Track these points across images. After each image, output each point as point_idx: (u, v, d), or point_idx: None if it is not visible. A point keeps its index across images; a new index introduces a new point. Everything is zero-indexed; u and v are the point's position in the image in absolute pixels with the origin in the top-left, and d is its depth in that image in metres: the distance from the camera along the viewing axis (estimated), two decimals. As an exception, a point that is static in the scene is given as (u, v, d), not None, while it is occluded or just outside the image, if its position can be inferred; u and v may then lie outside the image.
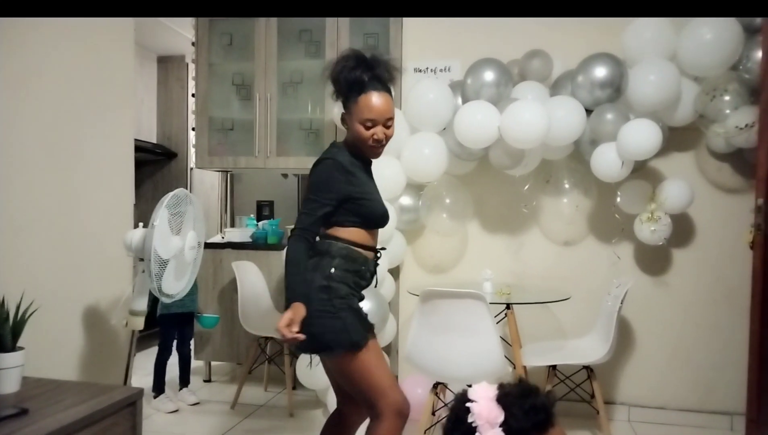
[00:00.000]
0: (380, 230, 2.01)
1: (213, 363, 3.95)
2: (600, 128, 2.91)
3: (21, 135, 2.19)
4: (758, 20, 2.79)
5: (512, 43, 3.29)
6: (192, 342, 3.65)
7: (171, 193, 2.20)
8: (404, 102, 3.30)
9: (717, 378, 3.18)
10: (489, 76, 3.06)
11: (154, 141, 5.34)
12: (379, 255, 1.98)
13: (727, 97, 2.79)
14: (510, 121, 2.84)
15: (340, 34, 3.55)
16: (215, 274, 3.77)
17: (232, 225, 4.52)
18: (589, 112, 2.97)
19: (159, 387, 3.38)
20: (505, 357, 2.52)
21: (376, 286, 2.05)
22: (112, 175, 2.70)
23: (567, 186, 3.24)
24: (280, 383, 3.64)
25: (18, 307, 1.93)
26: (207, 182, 5.64)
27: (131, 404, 1.94)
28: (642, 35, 2.93)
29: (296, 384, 3.34)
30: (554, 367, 2.88)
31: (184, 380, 3.52)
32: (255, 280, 3.55)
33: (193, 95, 3.92)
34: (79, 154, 2.48)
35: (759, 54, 2.71)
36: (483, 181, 3.41)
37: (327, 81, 1.90)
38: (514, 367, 2.85)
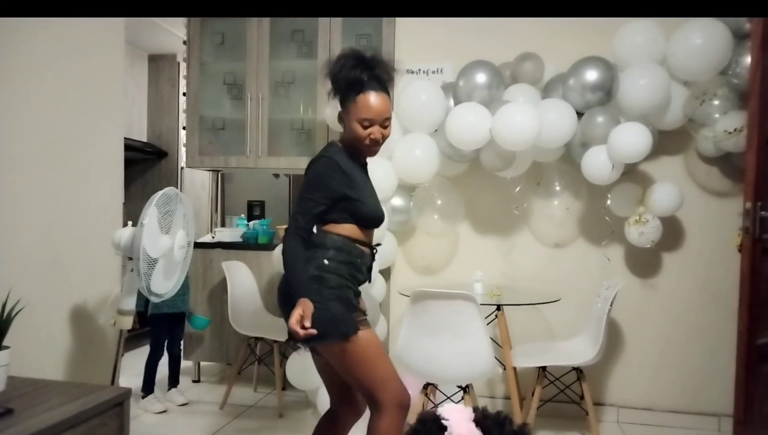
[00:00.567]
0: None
1: (202, 363, 3.92)
2: (590, 131, 2.93)
3: (9, 133, 2.17)
4: (747, 25, 2.82)
5: (504, 46, 3.30)
6: (181, 342, 3.63)
7: (161, 192, 2.18)
8: (396, 103, 3.30)
9: (705, 380, 3.20)
10: (481, 78, 3.07)
11: (145, 140, 5.31)
12: (375, 251, 1.98)
13: (716, 102, 2.81)
14: (501, 123, 2.85)
15: (333, 35, 3.54)
16: (205, 273, 3.75)
17: (223, 225, 4.50)
18: (580, 115, 2.98)
19: (148, 387, 3.36)
20: (495, 358, 2.53)
21: (370, 282, 2.04)
22: (101, 174, 2.67)
23: (558, 188, 3.26)
24: (270, 384, 3.62)
25: (4, 306, 1.91)
26: (198, 182, 5.61)
27: (119, 404, 1.93)
28: (633, 40, 2.95)
29: (286, 385, 3.33)
30: (544, 368, 2.89)
31: (174, 380, 3.50)
32: (245, 281, 3.54)
33: (184, 94, 3.90)
34: (68, 153, 2.46)
35: (748, 59, 2.73)
36: (474, 182, 3.42)
37: (325, 79, 1.91)
38: (504, 368, 2.86)
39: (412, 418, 1.23)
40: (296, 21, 3.62)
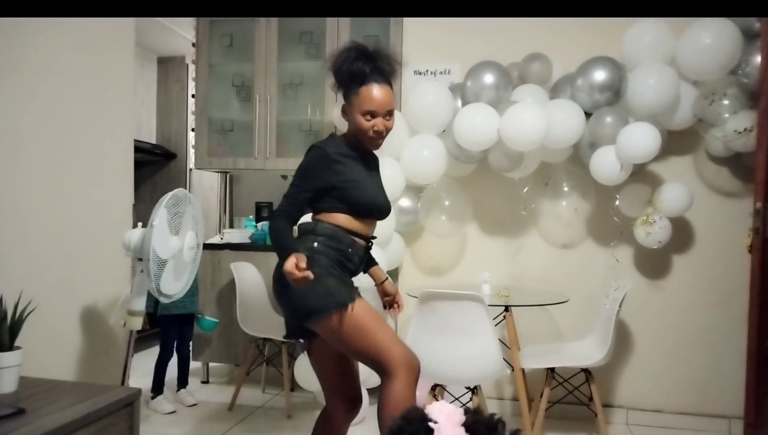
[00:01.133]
0: (379, 231, 2.00)
1: (211, 364, 3.94)
2: (599, 131, 2.92)
3: (21, 134, 2.19)
4: (757, 25, 2.80)
5: (512, 46, 3.29)
6: (190, 343, 3.64)
7: (170, 193, 2.20)
8: (404, 104, 3.31)
9: (715, 381, 3.18)
10: (489, 78, 3.06)
11: (154, 142, 5.34)
12: (370, 243, 1.99)
13: (726, 101, 2.79)
14: (509, 124, 2.84)
15: (341, 36, 3.55)
16: (213, 274, 3.77)
17: (231, 226, 4.51)
18: (588, 115, 2.97)
19: (158, 387, 3.37)
20: (504, 359, 2.52)
21: (364, 273, 2.08)
22: (111, 175, 2.69)
23: (566, 189, 3.25)
24: (278, 385, 3.63)
25: (16, 307, 1.93)
26: (206, 183, 5.64)
27: (129, 404, 1.94)
28: (641, 39, 2.94)
29: (294, 386, 3.33)
30: (552, 369, 2.87)
31: (183, 381, 3.52)
32: (253, 282, 3.55)
33: (192, 96, 3.92)
34: (78, 154, 2.48)
35: (758, 58, 2.72)
36: (482, 183, 3.41)
37: (328, 72, 1.93)
38: (513, 370, 2.85)
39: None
40: (304, 23, 3.63)
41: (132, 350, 2.32)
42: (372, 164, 2.02)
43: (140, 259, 2.17)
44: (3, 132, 2.12)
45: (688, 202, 2.96)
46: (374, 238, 2.03)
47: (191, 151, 4.83)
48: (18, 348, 1.90)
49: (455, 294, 2.45)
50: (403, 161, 3.14)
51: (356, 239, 1.92)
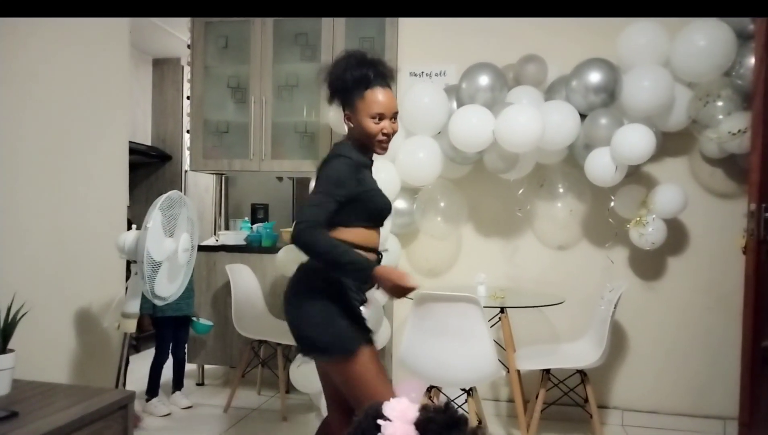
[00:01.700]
0: None
1: (206, 366, 3.93)
2: (594, 133, 2.93)
3: (15, 136, 2.18)
4: (751, 27, 2.81)
5: (507, 48, 3.30)
6: (186, 345, 3.63)
7: (164, 195, 2.19)
8: (399, 106, 3.26)
9: (710, 382, 3.19)
10: (484, 80, 3.07)
11: (149, 143, 5.33)
12: (380, 256, 1.98)
13: (720, 103, 2.81)
14: (505, 125, 2.85)
15: (336, 38, 3.55)
16: (209, 276, 3.76)
17: (227, 228, 4.50)
18: (583, 116, 2.98)
19: (153, 390, 3.36)
20: (499, 361, 2.52)
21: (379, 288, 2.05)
22: (106, 177, 2.68)
23: (561, 190, 3.25)
24: (274, 387, 3.62)
25: (9, 309, 1.92)
26: (201, 185, 5.63)
27: (123, 407, 1.93)
28: (636, 41, 2.95)
29: (290, 388, 3.33)
30: (548, 370, 2.88)
31: (178, 383, 3.50)
32: (249, 284, 3.54)
33: (188, 98, 3.91)
34: (73, 156, 2.47)
35: (752, 60, 2.72)
36: (477, 184, 3.42)
37: (324, 83, 1.91)
38: (508, 371, 2.86)
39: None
40: (300, 24, 3.63)
41: (126, 353, 2.30)
42: (371, 171, 2.03)
43: (134, 262, 2.16)
44: (-4, 134, 2.11)
45: (681, 204, 2.97)
46: (385, 250, 2.04)
47: (186, 153, 4.81)
48: (11, 351, 1.89)
49: (451, 296, 2.45)
50: (399, 163, 3.14)
51: (369, 255, 1.89)
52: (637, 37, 2.95)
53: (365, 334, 1.88)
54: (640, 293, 3.27)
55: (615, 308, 2.79)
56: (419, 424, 0.92)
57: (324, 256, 1.73)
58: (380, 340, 3.22)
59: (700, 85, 2.90)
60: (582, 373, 2.88)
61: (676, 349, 3.24)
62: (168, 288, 2.26)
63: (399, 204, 3.29)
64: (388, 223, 2.45)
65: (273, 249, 3.68)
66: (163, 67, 5.38)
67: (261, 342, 3.41)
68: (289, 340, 3.13)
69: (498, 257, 3.45)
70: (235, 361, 3.71)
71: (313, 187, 1.86)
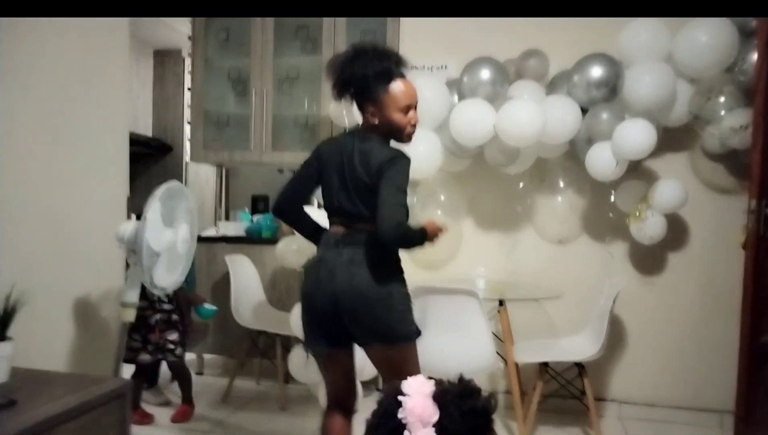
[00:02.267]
0: None
1: (205, 356, 3.95)
2: (595, 127, 2.92)
3: (14, 127, 2.18)
4: (754, 23, 2.79)
5: (509, 42, 3.28)
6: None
7: (164, 186, 2.19)
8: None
9: (707, 376, 3.20)
10: (485, 74, 3.06)
11: (150, 134, 5.32)
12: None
13: (722, 99, 2.80)
14: (505, 119, 2.84)
15: (337, 31, 3.54)
16: (209, 267, 3.77)
17: (227, 219, 4.51)
18: (584, 111, 2.97)
19: (151, 379, 3.37)
20: (497, 353, 2.53)
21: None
22: (106, 167, 2.69)
23: (562, 185, 3.25)
24: (272, 377, 3.64)
25: (8, 298, 1.93)
26: (202, 176, 5.62)
27: (120, 396, 1.94)
28: (638, 36, 2.93)
29: (288, 378, 3.34)
30: (546, 363, 2.88)
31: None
32: (248, 274, 3.55)
33: (189, 89, 3.91)
34: (73, 146, 2.47)
35: (754, 56, 2.71)
36: (478, 178, 3.41)
37: (337, 79, 1.89)
38: (506, 363, 2.86)
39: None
40: (301, 18, 3.61)
41: (124, 342, 2.31)
42: None
43: (134, 252, 2.17)
44: (-4, 122, 2.11)
45: (681, 199, 2.96)
46: None
47: (187, 144, 4.82)
48: (9, 339, 1.90)
49: (449, 288, 2.46)
50: (399, 156, 3.13)
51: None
52: (639, 32, 2.94)
53: None
54: (640, 288, 3.28)
55: (614, 302, 2.80)
56: (436, 397, 0.97)
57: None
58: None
59: (703, 81, 2.89)
60: (580, 365, 2.89)
61: (674, 342, 3.25)
62: (167, 278, 2.27)
63: (399, 197, 3.29)
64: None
65: (273, 240, 3.68)
66: (165, 59, 5.36)
67: (260, 332, 3.42)
68: (287, 330, 3.16)
69: (498, 251, 3.45)
70: (234, 351, 3.72)
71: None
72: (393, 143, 1.96)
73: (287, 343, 3.38)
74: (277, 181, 4.99)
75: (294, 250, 3.21)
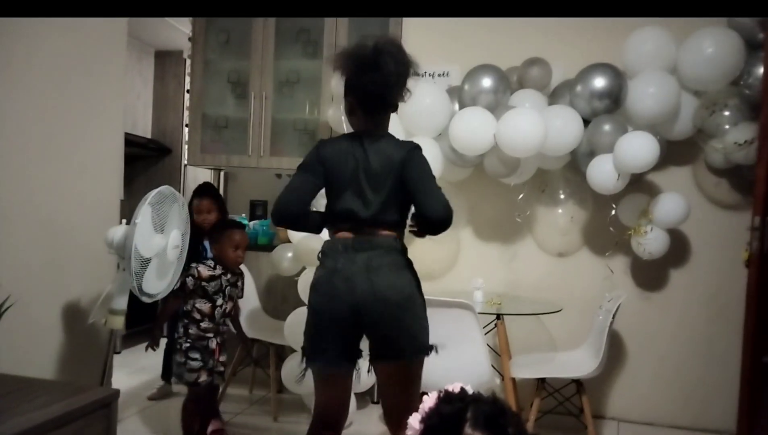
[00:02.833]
0: None
1: (199, 363, 3.89)
2: (597, 139, 2.88)
3: (5, 126, 2.14)
4: (761, 36, 2.76)
5: (512, 50, 3.25)
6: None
7: (155, 190, 2.15)
8: (400, 106, 3.25)
9: (708, 396, 3.14)
10: (487, 82, 3.02)
11: (149, 136, 5.29)
12: None
13: (726, 113, 2.76)
14: (506, 129, 2.80)
15: (339, 35, 3.50)
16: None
17: (224, 224, 4.45)
18: (587, 122, 2.93)
19: (166, 374, 3.47)
20: (494, 368, 2.48)
21: None
22: (99, 170, 2.65)
23: (562, 196, 3.21)
24: (266, 386, 3.58)
25: (-7, 302, 1.88)
26: (201, 180, 5.56)
27: (106, 405, 1.89)
28: (643, 47, 2.90)
29: (281, 387, 3.29)
30: (543, 379, 2.83)
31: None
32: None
33: (188, 91, 3.87)
34: (65, 147, 2.43)
35: (760, 70, 2.68)
36: (477, 188, 3.37)
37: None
38: (503, 379, 2.81)
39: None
40: (302, 20, 3.58)
41: (112, 349, 2.27)
42: None
43: (123, 257, 2.13)
44: (-14, 123, 2.07)
45: (683, 214, 2.92)
46: None
47: (186, 147, 4.78)
48: (-6, 345, 1.86)
49: (445, 301, 2.41)
50: (398, 164, 3.09)
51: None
52: (643, 42, 2.90)
53: None
54: (640, 303, 3.22)
55: (613, 318, 2.74)
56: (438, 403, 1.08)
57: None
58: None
59: (707, 94, 2.85)
60: (578, 382, 2.83)
61: (675, 360, 3.20)
62: (157, 285, 2.22)
63: (397, 205, 3.25)
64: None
65: (269, 246, 3.63)
66: (165, 60, 5.33)
67: (254, 341, 3.36)
68: (281, 339, 3.11)
69: (496, 262, 3.40)
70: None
71: (425, 173, 1.86)
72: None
73: (281, 352, 3.33)
74: (276, 187, 4.94)
75: (290, 258, 3.16)
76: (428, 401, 1.07)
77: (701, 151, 3.09)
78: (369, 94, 1.87)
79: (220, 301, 2.57)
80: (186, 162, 4.43)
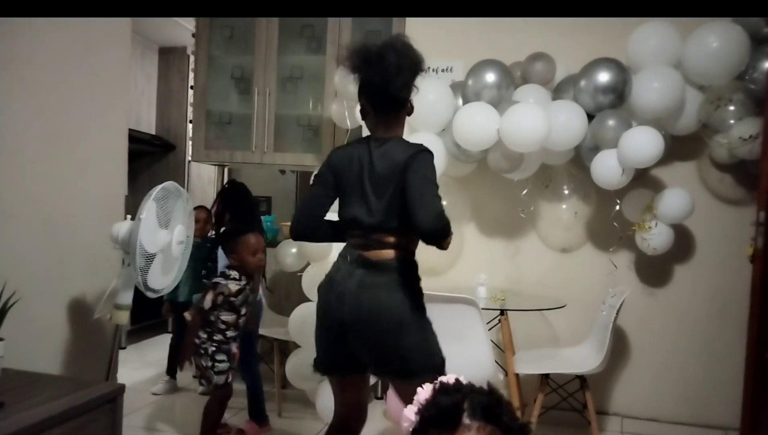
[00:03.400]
0: None
1: (203, 358, 3.90)
2: (601, 134, 2.87)
3: (9, 123, 2.15)
4: (766, 30, 2.74)
5: (515, 45, 3.24)
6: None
7: (159, 186, 2.15)
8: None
9: (712, 392, 3.13)
10: (490, 77, 3.01)
11: (153, 132, 5.30)
12: None
13: (731, 107, 2.74)
14: (509, 124, 2.80)
15: (342, 31, 3.49)
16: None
17: (229, 220, 4.46)
18: (591, 117, 2.92)
19: (171, 370, 3.55)
20: (497, 363, 2.48)
21: None
22: (103, 165, 2.65)
23: (566, 192, 3.20)
24: (270, 382, 3.59)
25: (0, 296, 1.90)
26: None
27: (112, 400, 1.90)
28: (647, 41, 2.88)
29: (286, 383, 3.30)
30: (547, 375, 2.83)
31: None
32: (247, 277, 3.51)
33: (191, 87, 3.88)
34: (69, 143, 2.44)
35: (766, 64, 2.67)
36: (481, 184, 3.37)
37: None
38: (506, 374, 2.81)
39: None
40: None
41: (117, 344, 2.28)
42: None
43: (127, 253, 2.13)
44: (-9, 119, 2.08)
45: (687, 210, 2.91)
46: None
47: (189, 143, 4.79)
48: (1, 339, 1.87)
49: (448, 297, 2.41)
50: (402, 159, 3.09)
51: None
52: (648, 37, 2.89)
53: None
54: (644, 299, 3.22)
55: (617, 314, 2.74)
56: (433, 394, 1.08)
57: (449, 237, 1.79)
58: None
59: (712, 89, 2.84)
60: (581, 378, 2.83)
61: (679, 356, 3.19)
62: (162, 280, 2.23)
63: (401, 201, 3.25)
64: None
65: (273, 243, 3.64)
66: (169, 56, 5.34)
67: (258, 336, 3.37)
68: (285, 335, 3.12)
69: (500, 258, 3.40)
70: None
71: (423, 178, 1.76)
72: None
73: (285, 347, 3.34)
74: (279, 183, 4.96)
75: (294, 254, 3.17)
76: (423, 393, 1.07)
77: (706, 146, 3.08)
78: (378, 91, 1.85)
79: (243, 311, 2.58)
80: (190, 158, 4.44)
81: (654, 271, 3.22)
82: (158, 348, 4.28)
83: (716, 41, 2.72)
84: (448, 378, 1.10)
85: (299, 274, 3.16)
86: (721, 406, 3.08)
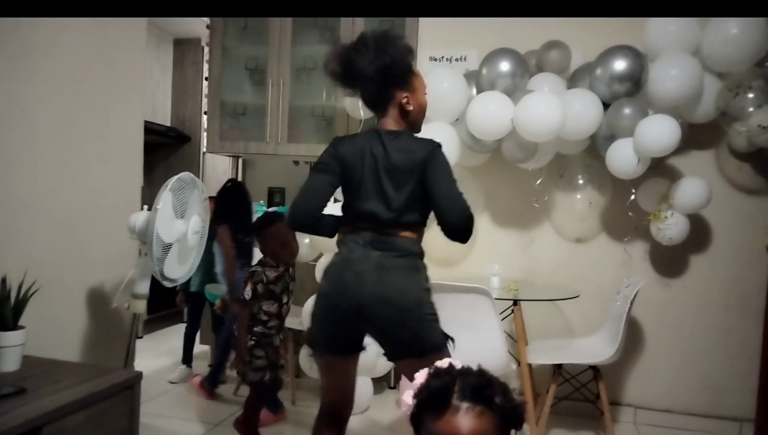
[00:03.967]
0: None
1: (219, 347, 3.96)
2: (617, 123, 2.84)
3: (27, 114, 2.19)
4: (787, 15, 2.68)
5: (530, 34, 3.21)
6: (199, 323, 3.76)
7: (175, 177, 2.18)
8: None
9: (727, 383, 3.11)
10: (505, 66, 2.99)
11: (168, 124, 5.34)
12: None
13: (750, 95, 2.69)
14: (524, 113, 2.78)
15: (355, 21, 3.49)
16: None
17: (243, 210, 4.49)
18: (606, 106, 2.89)
19: (188, 358, 3.66)
20: (510, 353, 2.48)
21: None
22: (120, 157, 2.69)
23: (581, 181, 3.17)
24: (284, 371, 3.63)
25: (21, 286, 1.94)
26: (219, 167, 5.64)
27: (130, 387, 1.94)
28: (665, 28, 2.83)
29: (299, 372, 3.33)
30: (560, 366, 2.83)
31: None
32: (262, 267, 3.54)
33: (206, 78, 3.90)
34: (86, 135, 2.47)
35: (786, 51, 2.61)
36: (495, 173, 3.35)
37: (390, 70, 1.81)
38: (519, 364, 2.82)
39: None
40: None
41: (135, 333, 2.32)
42: None
43: (144, 243, 2.17)
44: (9, 111, 2.12)
45: (704, 199, 2.87)
46: None
47: (204, 135, 4.82)
48: (22, 327, 1.91)
49: (461, 287, 2.41)
50: (415, 149, 3.08)
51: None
52: (666, 24, 2.84)
53: None
54: (658, 289, 3.19)
55: (631, 304, 2.73)
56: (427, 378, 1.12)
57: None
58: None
59: (731, 76, 2.79)
60: (595, 368, 2.83)
61: (693, 347, 3.17)
62: (178, 270, 2.26)
63: (414, 191, 3.25)
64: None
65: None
66: (184, 48, 5.37)
67: (273, 325, 3.41)
68: (299, 325, 3.15)
69: (513, 248, 3.39)
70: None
71: (447, 177, 1.79)
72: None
73: (298, 337, 3.37)
74: (293, 174, 4.98)
75: (306, 244, 3.19)
76: (420, 378, 1.10)
77: (724, 135, 3.03)
78: (363, 90, 1.87)
79: (285, 299, 2.52)
80: (205, 149, 4.48)
81: (669, 261, 3.19)
82: (174, 338, 4.33)
83: (735, 27, 2.67)
84: (443, 362, 1.12)
85: (312, 263, 3.18)
86: (737, 398, 3.05)
